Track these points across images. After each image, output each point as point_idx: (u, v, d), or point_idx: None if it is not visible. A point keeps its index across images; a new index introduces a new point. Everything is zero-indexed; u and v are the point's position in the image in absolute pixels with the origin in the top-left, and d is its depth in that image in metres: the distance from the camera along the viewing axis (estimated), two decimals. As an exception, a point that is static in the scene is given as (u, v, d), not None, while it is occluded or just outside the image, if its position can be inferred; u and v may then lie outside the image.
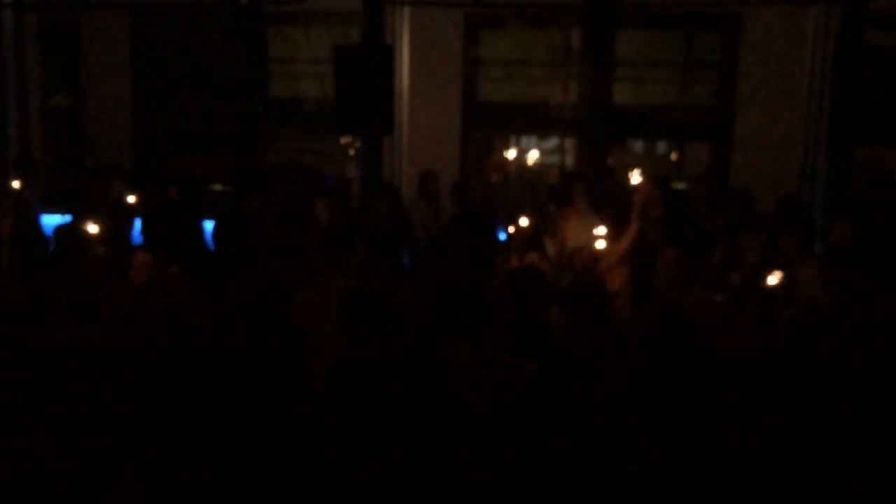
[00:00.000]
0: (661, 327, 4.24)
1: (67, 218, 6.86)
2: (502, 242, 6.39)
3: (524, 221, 6.34)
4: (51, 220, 7.82)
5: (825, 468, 3.70)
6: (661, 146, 10.93)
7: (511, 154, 9.48)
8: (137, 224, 7.01)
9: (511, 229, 6.45)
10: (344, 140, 10.44)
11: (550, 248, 6.73)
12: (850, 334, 4.56)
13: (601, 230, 6.04)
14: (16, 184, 6.99)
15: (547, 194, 8.72)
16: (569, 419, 3.82)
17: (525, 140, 10.69)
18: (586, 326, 4.37)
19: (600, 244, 5.94)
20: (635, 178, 6.61)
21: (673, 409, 3.84)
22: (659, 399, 3.89)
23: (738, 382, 4.11)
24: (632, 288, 5.54)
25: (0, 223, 6.26)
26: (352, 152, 10.36)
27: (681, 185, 9.98)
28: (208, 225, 7.04)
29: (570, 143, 10.57)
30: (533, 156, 9.47)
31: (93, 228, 5.91)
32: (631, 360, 4.31)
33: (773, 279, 4.85)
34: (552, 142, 10.72)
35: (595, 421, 3.80)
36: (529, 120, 10.35)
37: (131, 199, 7.04)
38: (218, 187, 9.77)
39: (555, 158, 10.73)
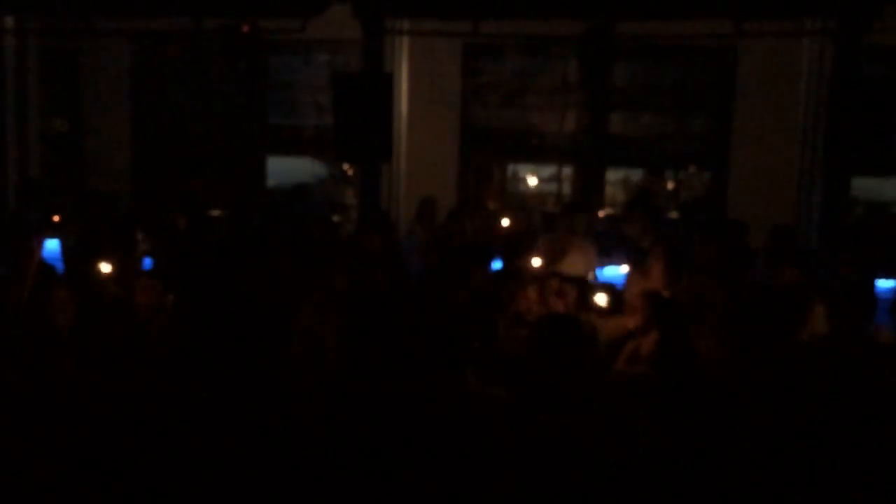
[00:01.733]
0: (665, 359, 4.22)
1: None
2: (500, 271, 6.35)
3: (537, 262, 6.29)
4: (49, 245, 7.83)
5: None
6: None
7: (508, 182, 9.53)
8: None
9: (520, 261, 6.39)
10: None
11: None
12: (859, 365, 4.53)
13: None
14: (56, 217, 6.85)
15: (543, 223, 8.73)
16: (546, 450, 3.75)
17: (522, 168, 10.76)
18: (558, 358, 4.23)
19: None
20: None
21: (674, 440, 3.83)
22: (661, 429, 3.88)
23: (743, 415, 4.09)
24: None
25: (30, 260, 5.81)
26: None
27: (674, 215, 10.04)
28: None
29: (566, 171, 10.64)
30: (530, 184, 9.51)
31: (106, 268, 5.65)
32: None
33: None
34: (549, 170, 10.78)
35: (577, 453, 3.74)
36: (527, 148, 10.42)
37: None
38: (216, 213, 9.78)
39: (552, 187, 10.78)
